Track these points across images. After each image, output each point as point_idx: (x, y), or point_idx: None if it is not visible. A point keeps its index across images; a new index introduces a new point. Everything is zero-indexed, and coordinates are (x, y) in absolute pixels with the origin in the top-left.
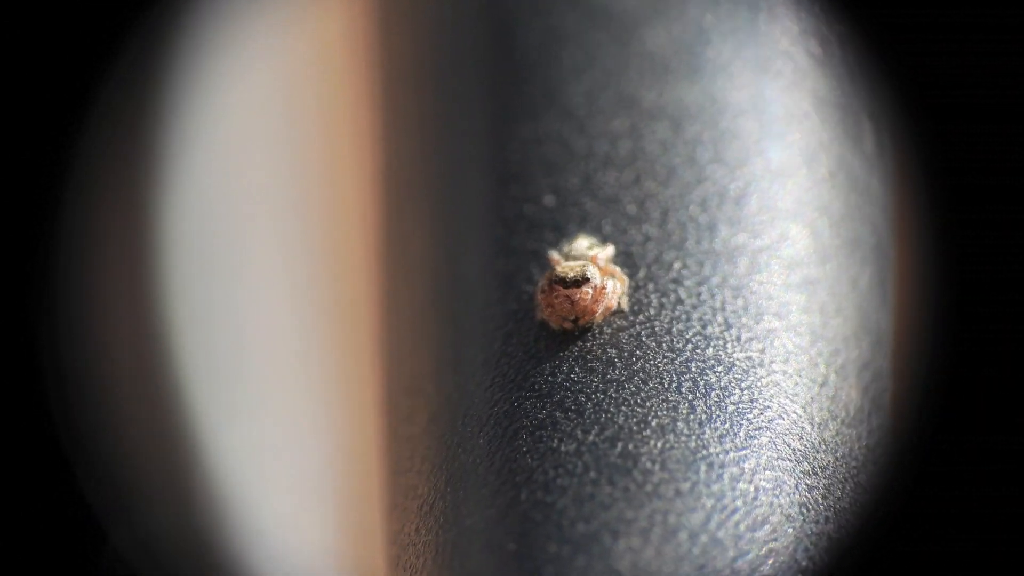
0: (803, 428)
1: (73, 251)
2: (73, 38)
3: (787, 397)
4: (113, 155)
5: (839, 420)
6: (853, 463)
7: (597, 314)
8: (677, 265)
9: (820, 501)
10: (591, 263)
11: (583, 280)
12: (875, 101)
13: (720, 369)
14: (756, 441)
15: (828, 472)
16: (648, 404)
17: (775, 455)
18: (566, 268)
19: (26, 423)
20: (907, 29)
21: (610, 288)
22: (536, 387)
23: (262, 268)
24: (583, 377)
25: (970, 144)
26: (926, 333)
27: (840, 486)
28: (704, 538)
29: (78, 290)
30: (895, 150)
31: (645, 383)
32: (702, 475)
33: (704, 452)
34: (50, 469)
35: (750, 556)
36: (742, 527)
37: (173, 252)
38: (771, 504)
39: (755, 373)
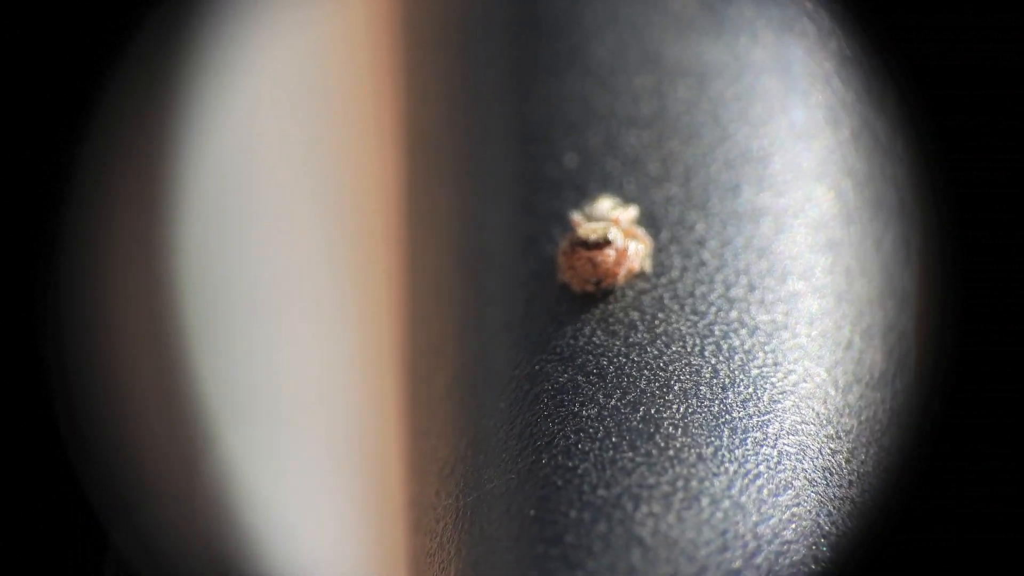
0: (827, 392)
1: (82, 246)
2: (88, 20)
3: (811, 360)
4: (128, 140)
5: (863, 383)
6: (877, 426)
7: (619, 276)
8: (700, 226)
9: (844, 465)
10: (613, 224)
11: (605, 242)
12: (896, 67)
13: (744, 332)
14: (780, 405)
15: (852, 436)
16: (670, 368)
17: (799, 419)
18: (588, 230)
19: (30, 421)
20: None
21: (632, 250)
22: (558, 350)
23: (284, 238)
24: (605, 340)
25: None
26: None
27: (864, 450)
28: (726, 503)
29: (86, 286)
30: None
31: (668, 347)
32: (725, 440)
33: (727, 416)
34: (53, 469)
35: (772, 521)
36: (765, 492)
37: (189, 240)
38: (794, 469)
39: (779, 336)
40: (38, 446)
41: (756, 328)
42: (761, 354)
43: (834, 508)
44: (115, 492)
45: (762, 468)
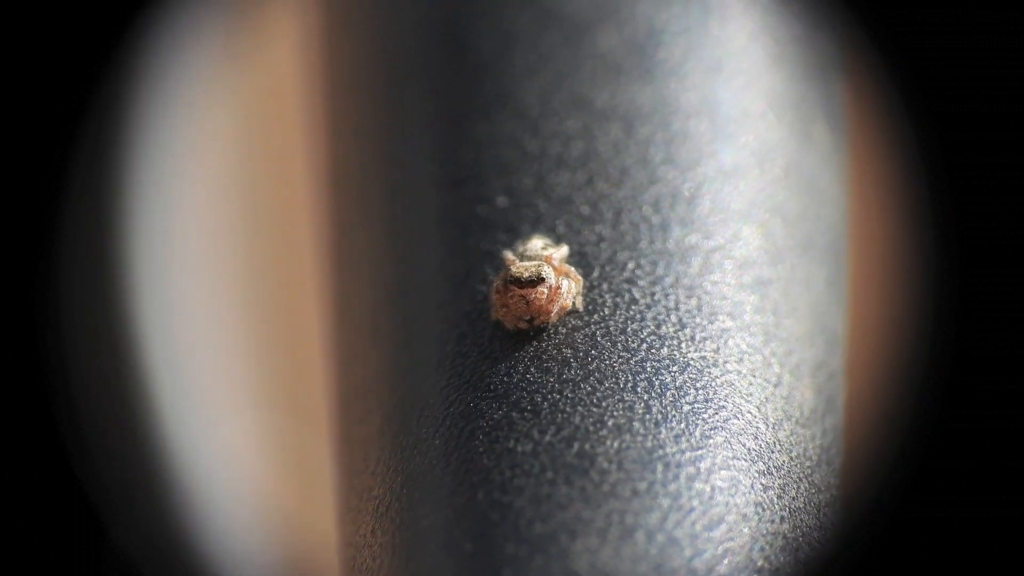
0: (758, 428)
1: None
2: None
3: (742, 397)
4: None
5: (793, 420)
6: (807, 463)
7: (552, 314)
8: (631, 265)
9: (775, 500)
10: (546, 263)
11: (538, 280)
12: (831, 100)
13: (675, 369)
14: (711, 441)
15: (783, 472)
16: (604, 404)
17: (731, 455)
18: (521, 268)
19: (26, 419)
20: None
21: (565, 288)
22: (492, 387)
23: (212, 278)
24: (539, 377)
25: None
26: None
27: (795, 485)
28: (661, 537)
29: (81, 286)
30: (848, 148)
31: (601, 383)
32: (659, 475)
33: (660, 452)
34: (50, 466)
35: (706, 555)
36: (698, 526)
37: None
38: (727, 504)
39: (710, 373)
40: (36, 445)
41: (687, 365)
42: (692, 391)
43: (766, 543)
44: (113, 490)
45: (695, 503)
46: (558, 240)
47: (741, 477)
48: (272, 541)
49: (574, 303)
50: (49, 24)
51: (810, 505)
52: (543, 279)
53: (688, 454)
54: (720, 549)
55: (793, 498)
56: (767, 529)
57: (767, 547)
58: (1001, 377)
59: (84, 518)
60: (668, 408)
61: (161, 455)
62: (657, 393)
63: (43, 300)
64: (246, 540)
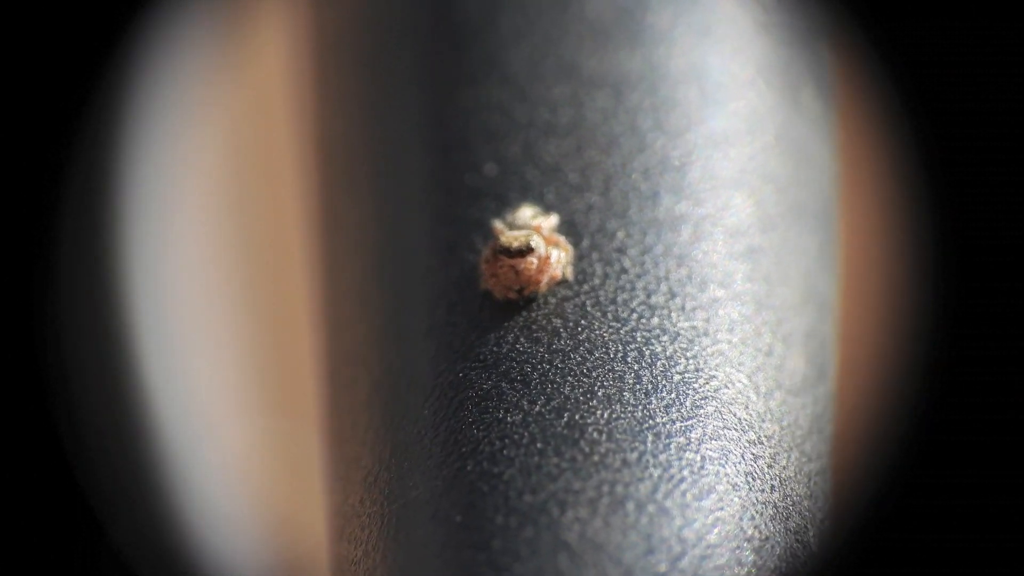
0: (749, 397)
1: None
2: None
3: (732, 366)
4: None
5: (784, 389)
6: (798, 432)
7: (542, 284)
8: (620, 234)
9: (766, 470)
10: (535, 232)
11: (528, 250)
12: (819, 66)
13: (665, 339)
14: (702, 411)
15: (774, 441)
16: (594, 374)
17: (721, 424)
18: (510, 238)
19: (25, 419)
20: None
21: (554, 258)
22: (481, 358)
23: (201, 251)
24: (528, 347)
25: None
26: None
27: (786, 455)
28: (651, 508)
29: (80, 287)
30: (837, 115)
31: (591, 353)
32: (649, 445)
33: (651, 422)
34: (48, 464)
35: (697, 524)
36: (688, 496)
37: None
38: (717, 473)
39: (700, 342)
40: (34, 444)
41: (677, 334)
42: (683, 360)
43: (757, 512)
44: (111, 489)
45: (686, 473)
46: (547, 209)
47: (732, 447)
48: (266, 541)
49: (564, 273)
50: (45, 25)
51: (801, 474)
52: (532, 249)
53: (678, 424)
54: (710, 519)
55: (784, 467)
56: (757, 498)
57: (757, 516)
58: (996, 345)
59: (83, 518)
60: (658, 378)
61: (155, 449)
62: (647, 363)
63: (41, 300)
64: (241, 540)
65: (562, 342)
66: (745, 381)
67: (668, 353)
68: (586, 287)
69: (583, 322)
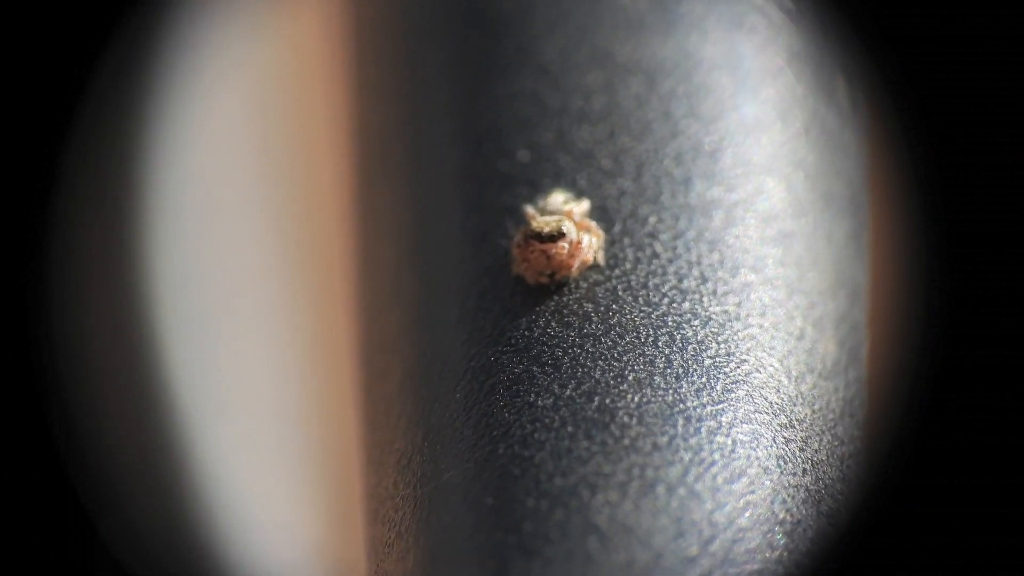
0: (780, 381)
1: (60, 251)
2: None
3: (764, 351)
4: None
5: (816, 373)
6: (830, 415)
7: (573, 269)
8: (652, 219)
9: (797, 453)
10: (567, 218)
11: (559, 235)
12: (848, 55)
13: (697, 323)
14: (733, 395)
15: (805, 425)
16: (625, 358)
17: (752, 408)
18: (542, 223)
19: (19, 417)
20: None
21: (586, 243)
22: (513, 342)
23: (239, 239)
24: (560, 332)
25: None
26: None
27: (817, 438)
28: (682, 491)
29: (70, 286)
30: (869, 104)
31: (622, 337)
32: (679, 429)
33: (681, 406)
34: (42, 463)
35: (727, 508)
36: (719, 480)
37: (155, 245)
38: (748, 457)
39: (731, 327)
40: (27, 442)
41: (709, 319)
42: (714, 344)
43: (788, 496)
44: (102, 487)
45: (716, 456)
46: (579, 194)
47: (763, 430)
48: (301, 552)
49: (595, 257)
50: None
51: (833, 457)
52: (563, 234)
53: (709, 408)
54: (741, 502)
55: (816, 451)
56: (789, 482)
57: (789, 500)
58: (996, 346)
59: (81, 518)
60: (689, 362)
61: (172, 443)
62: (678, 347)
63: (38, 301)
64: (272, 548)
65: (593, 326)
66: (776, 365)
67: (699, 337)
68: (617, 272)
69: (614, 306)
